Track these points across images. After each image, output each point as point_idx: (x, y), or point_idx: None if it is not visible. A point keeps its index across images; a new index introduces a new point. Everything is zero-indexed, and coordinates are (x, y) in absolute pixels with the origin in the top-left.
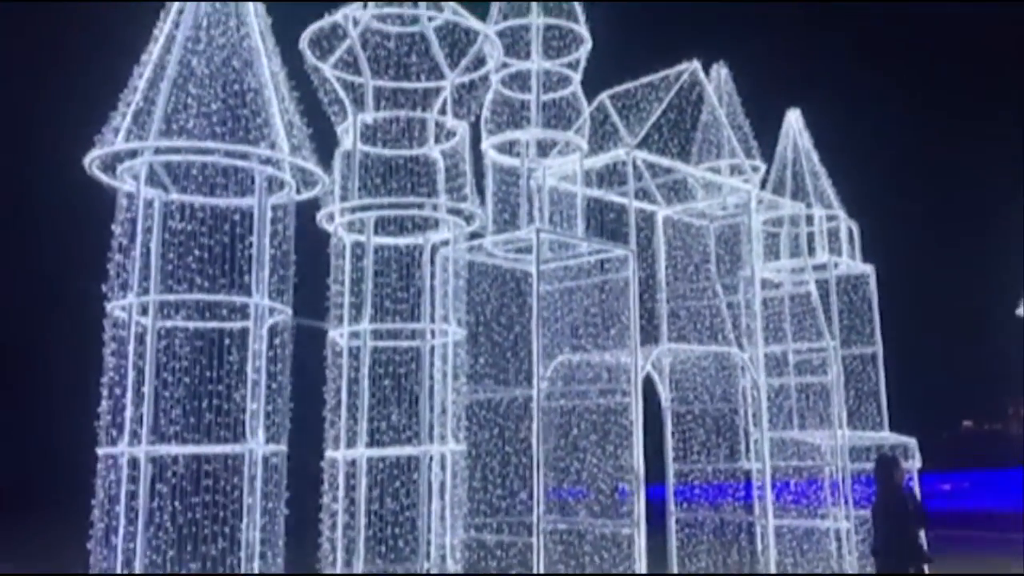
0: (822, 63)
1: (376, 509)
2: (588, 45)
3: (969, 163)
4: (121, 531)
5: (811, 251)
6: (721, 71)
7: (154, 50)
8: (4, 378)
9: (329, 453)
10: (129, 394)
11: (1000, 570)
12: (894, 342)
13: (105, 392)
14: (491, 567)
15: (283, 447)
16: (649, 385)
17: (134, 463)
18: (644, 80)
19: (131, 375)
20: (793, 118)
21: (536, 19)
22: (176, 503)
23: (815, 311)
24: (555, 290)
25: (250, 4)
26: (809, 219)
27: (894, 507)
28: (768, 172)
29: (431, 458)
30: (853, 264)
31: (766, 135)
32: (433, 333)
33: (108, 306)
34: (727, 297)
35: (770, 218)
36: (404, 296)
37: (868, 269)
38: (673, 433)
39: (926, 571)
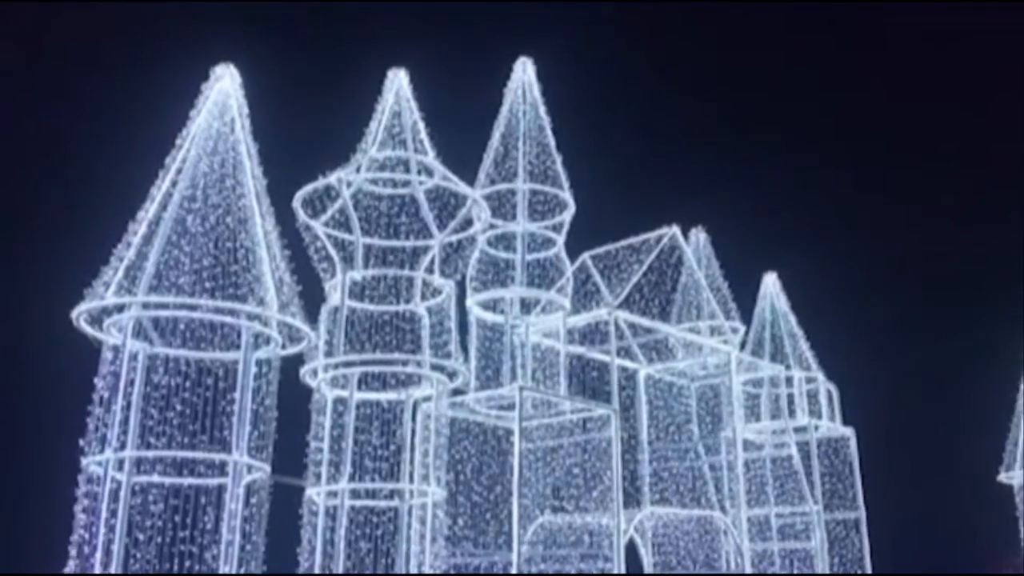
0: (798, 227)
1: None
2: (572, 209)
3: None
4: None
5: (791, 413)
6: (700, 235)
7: (150, 208)
8: None
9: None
10: (98, 555)
11: None
12: (875, 505)
13: (73, 552)
14: None
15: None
16: (632, 549)
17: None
18: (625, 242)
19: (101, 534)
20: (770, 281)
21: (522, 184)
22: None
23: (797, 474)
24: (537, 448)
25: (248, 166)
26: (788, 381)
27: None
28: (747, 334)
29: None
30: (833, 427)
31: (744, 297)
32: (412, 493)
33: (84, 461)
34: (709, 458)
35: (750, 379)
36: (384, 453)
37: (848, 432)
38: None
39: None
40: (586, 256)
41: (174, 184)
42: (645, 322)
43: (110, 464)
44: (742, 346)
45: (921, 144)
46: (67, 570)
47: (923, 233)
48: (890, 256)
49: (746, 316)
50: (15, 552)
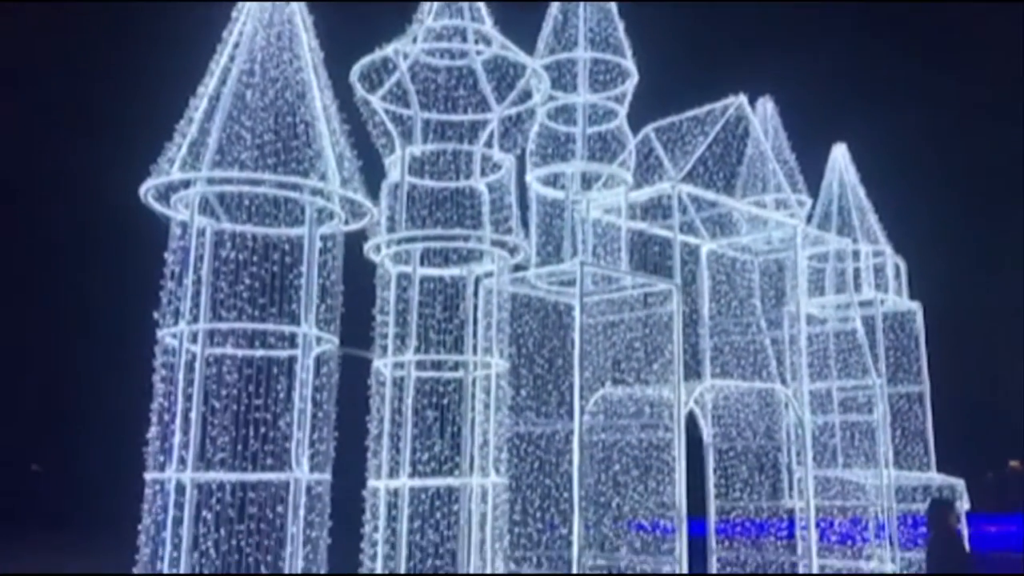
0: (869, 97)
1: (417, 540)
2: (635, 79)
3: (1022, 198)
4: (166, 556)
5: (857, 287)
6: (767, 105)
7: (210, 83)
8: (57, 404)
9: (371, 483)
10: (178, 421)
11: None
12: (940, 380)
13: (154, 418)
14: None
15: (327, 476)
16: (691, 421)
17: (180, 489)
18: (689, 114)
19: (180, 402)
20: (839, 152)
21: (583, 53)
22: (221, 530)
23: (861, 348)
24: (598, 323)
25: (304, 39)
26: (855, 255)
27: (948, 552)
28: (814, 207)
29: (472, 490)
30: (900, 301)
31: (812, 170)
32: (476, 365)
33: (159, 333)
34: (771, 333)
35: (815, 253)
36: (448, 327)
37: (915, 306)
38: (715, 470)
39: None
40: (649, 129)
41: (232, 59)
42: (709, 195)
43: (184, 336)
44: (808, 219)
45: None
46: (149, 435)
47: (999, 109)
48: (963, 131)
49: (813, 189)
50: (103, 418)
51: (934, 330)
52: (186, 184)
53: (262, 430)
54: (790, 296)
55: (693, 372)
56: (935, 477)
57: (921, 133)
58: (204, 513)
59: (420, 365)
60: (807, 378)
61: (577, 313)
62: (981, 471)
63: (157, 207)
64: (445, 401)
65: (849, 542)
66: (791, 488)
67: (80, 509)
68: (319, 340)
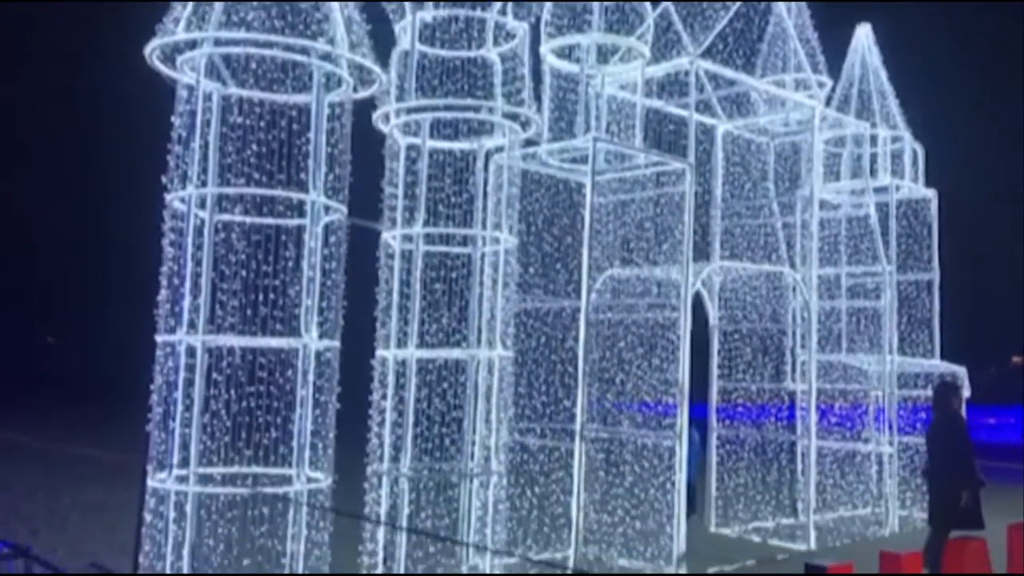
0: None
1: (424, 408)
2: None
3: None
4: (178, 416)
5: (873, 173)
6: None
7: None
8: (68, 268)
9: (380, 352)
10: (187, 284)
11: None
12: (951, 269)
13: (164, 282)
14: (533, 469)
15: (336, 343)
16: (698, 302)
17: (191, 351)
18: None
19: (189, 266)
20: (863, 33)
21: None
22: (231, 392)
23: (873, 234)
24: (608, 202)
25: None
26: (873, 139)
27: (952, 432)
28: (833, 89)
29: (479, 362)
30: (915, 188)
31: (834, 50)
32: (485, 240)
33: (167, 198)
34: (783, 217)
35: (832, 137)
36: (457, 201)
37: (930, 194)
38: (719, 351)
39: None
40: (668, 2)
41: None
42: (728, 73)
43: (192, 200)
44: (827, 102)
45: None
46: (159, 298)
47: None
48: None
49: (834, 70)
50: (116, 287)
51: (948, 218)
52: (192, 45)
53: (271, 297)
54: (804, 180)
55: (702, 254)
56: (939, 364)
57: (946, 16)
58: (215, 376)
59: (428, 239)
60: (816, 263)
61: (588, 191)
62: (985, 363)
63: (163, 69)
64: (453, 275)
65: (848, 424)
66: (794, 371)
67: (95, 378)
68: (327, 209)
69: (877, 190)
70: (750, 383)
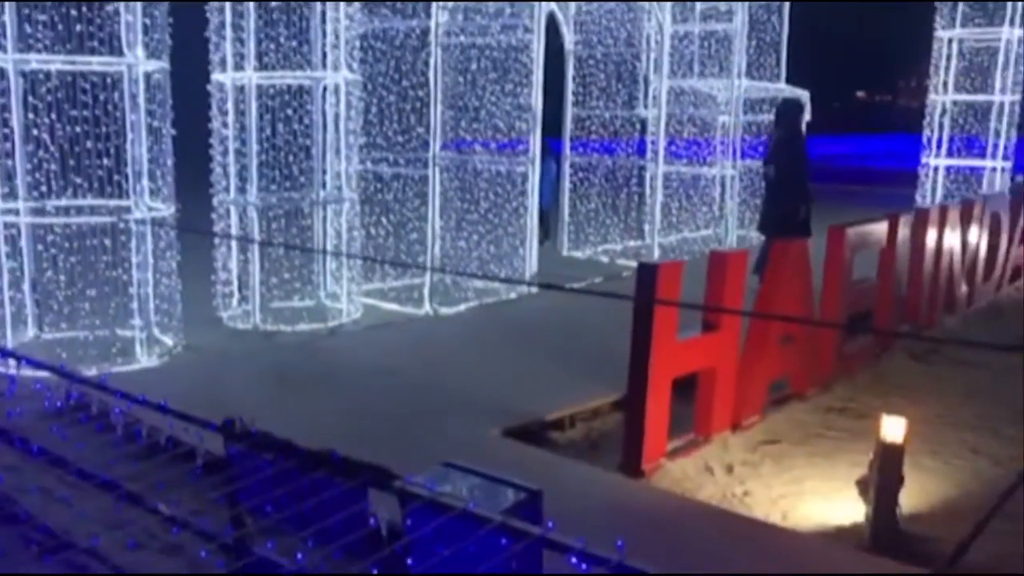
0: None
1: (268, 137)
2: None
3: None
4: None
5: None
6: None
7: None
8: None
9: (215, 76)
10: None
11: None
12: None
13: None
14: (387, 199)
15: (164, 64)
16: (553, 26)
17: (1, 73)
18: None
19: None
20: None
21: None
22: (52, 117)
23: None
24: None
25: None
26: None
27: (792, 149)
28: None
29: (325, 87)
30: None
31: None
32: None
33: None
34: None
35: None
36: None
37: None
38: (574, 77)
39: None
40: None
41: None
42: None
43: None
44: None
45: None
46: None
47: None
48: None
49: None
50: None
51: None
52: None
53: (85, 12)
54: None
55: None
56: (784, 88)
57: None
58: (33, 102)
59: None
60: None
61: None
62: (829, 95)
63: None
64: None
65: (695, 150)
66: (646, 98)
67: None
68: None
69: None
70: (603, 110)
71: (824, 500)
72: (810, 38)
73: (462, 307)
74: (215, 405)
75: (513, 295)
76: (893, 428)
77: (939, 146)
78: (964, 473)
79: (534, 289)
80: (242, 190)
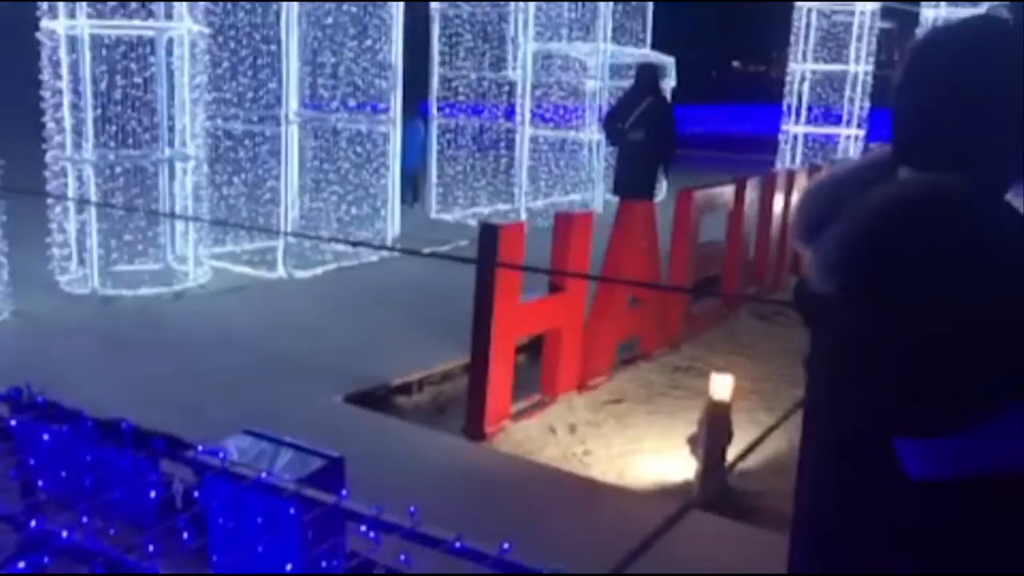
0: None
1: (106, 91)
2: None
3: None
4: None
5: None
6: None
7: None
8: None
9: (45, 23)
10: None
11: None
12: None
13: None
14: (239, 157)
15: None
16: None
17: None
18: None
19: None
20: None
21: None
22: None
23: None
24: None
25: None
26: None
27: (658, 113)
28: None
29: (169, 39)
30: None
31: None
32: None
33: None
34: None
35: None
36: None
37: None
38: (440, 37)
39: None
40: None
41: None
42: None
43: None
44: None
45: None
46: None
47: None
48: None
49: None
50: None
51: None
52: None
53: None
54: None
55: None
56: (650, 54)
57: None
58: None
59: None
60: None
61: None
62: (708, 64)
63: None
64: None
65: (563, 114)
66: (515, 60)
67: None
68: None
69: None
70: (471, 71)
71: (661, 458)
72: (690, 8)
73: (319, 270)
74: (38, 375)
75: (374, 258)
76: (721, 386)
77: (798, 114)
78: (796, 429)
79: (396, 252)
80: (79, 147)
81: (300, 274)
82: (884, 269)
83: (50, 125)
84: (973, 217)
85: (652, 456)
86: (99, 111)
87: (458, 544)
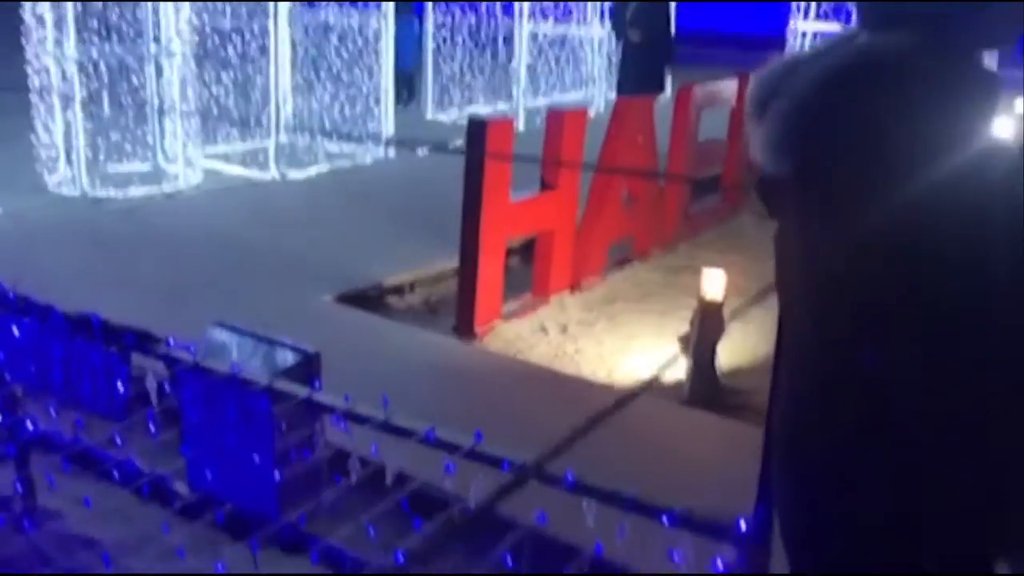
0: None
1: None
2: None
3: None
4: None
5: None
6: None
7: None
8: None
9: None
10: None
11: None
12: None
13: None
14: (228, 55)
15: None
16: None
17: None
18: None
19: None
20: None
21: None
22: None
23: None
24: None
25: None
26: None
27: (660, 11)
28: None
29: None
30: None
31: None
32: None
33: None
34: None
35: None
36: None
37: None
38: None
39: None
40: None
41: None
42: None
43: None
44: None
45: None
46: None
47: None
48: None
49: None
50: None
51: None
52: None
53: None
54: None
55: None
56: None
57: None
58: None
59: None
60: None
61: None
62: None
63: None
64: None
65: (564, 9)
66: None
67: None
68: None
69: None
70: None
71: (652, 356)
72: None
73: (312, 171)
74: (24, 273)
75: (368, 159)
76: (713, 283)
77: (807, 12)
78: None
79: (391, 154)
80: (58, 42)
81: (293, 175)
82: (822, 138)
83: (28, 19)
84: (907, 80)
85: (644, 355)
86: (79, 8)
87: (431, 435)
